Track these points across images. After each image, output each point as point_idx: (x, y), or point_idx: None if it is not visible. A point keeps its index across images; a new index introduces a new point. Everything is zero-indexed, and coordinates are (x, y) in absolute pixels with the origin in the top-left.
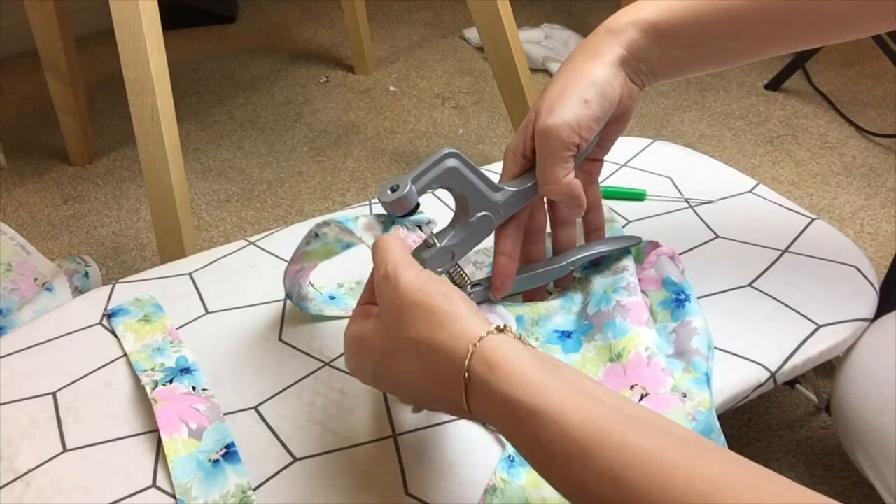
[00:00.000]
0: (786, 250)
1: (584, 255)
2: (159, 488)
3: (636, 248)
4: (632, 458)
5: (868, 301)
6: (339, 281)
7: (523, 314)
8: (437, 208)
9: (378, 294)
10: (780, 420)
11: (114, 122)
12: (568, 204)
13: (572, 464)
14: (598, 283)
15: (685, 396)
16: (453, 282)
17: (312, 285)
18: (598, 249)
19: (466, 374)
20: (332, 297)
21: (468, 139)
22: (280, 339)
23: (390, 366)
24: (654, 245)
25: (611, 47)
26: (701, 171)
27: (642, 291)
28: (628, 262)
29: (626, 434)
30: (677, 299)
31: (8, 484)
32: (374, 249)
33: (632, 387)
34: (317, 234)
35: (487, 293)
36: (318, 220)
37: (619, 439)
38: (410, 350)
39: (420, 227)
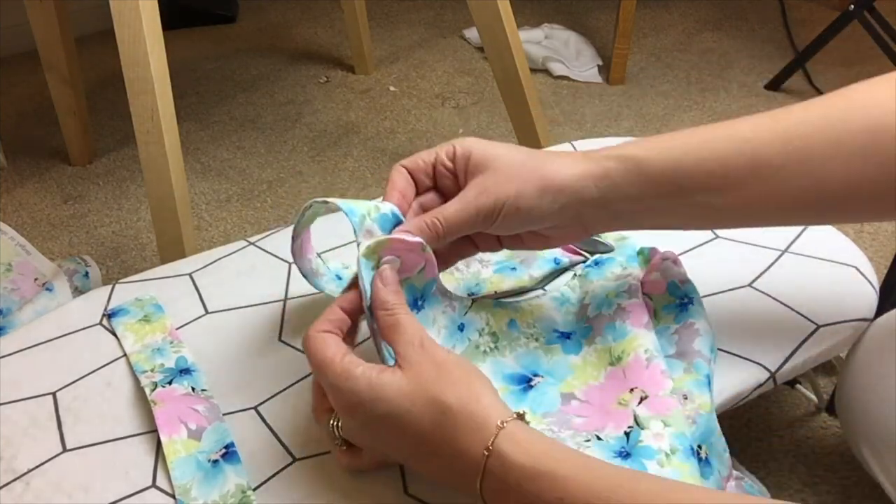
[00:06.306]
0: (786, 250)
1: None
2: (159, 488)
3: (642, 255)
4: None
5: (868, 301)
6: (344, 263)
7: (515, 318)
8: None
9: (406, 359)
10: (780, 420)
11: (114, 122)
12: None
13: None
14: (601, 286)
15: (686, 399)
16: None
17: (320, 257)
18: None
19: (490, 447)
20: (339, 277)
21: None
22: (280, 339)
23: (400, 422)
24: (656, 251)
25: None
26: None
27: (646, 294)
28: (632, 268)
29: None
30: (681, 303)
31: (8, 484)
32: (391, 329)
33: (631, 390)
34: (310, 206)
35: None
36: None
37: (631, 486)
38: (434, 412)
39: None
